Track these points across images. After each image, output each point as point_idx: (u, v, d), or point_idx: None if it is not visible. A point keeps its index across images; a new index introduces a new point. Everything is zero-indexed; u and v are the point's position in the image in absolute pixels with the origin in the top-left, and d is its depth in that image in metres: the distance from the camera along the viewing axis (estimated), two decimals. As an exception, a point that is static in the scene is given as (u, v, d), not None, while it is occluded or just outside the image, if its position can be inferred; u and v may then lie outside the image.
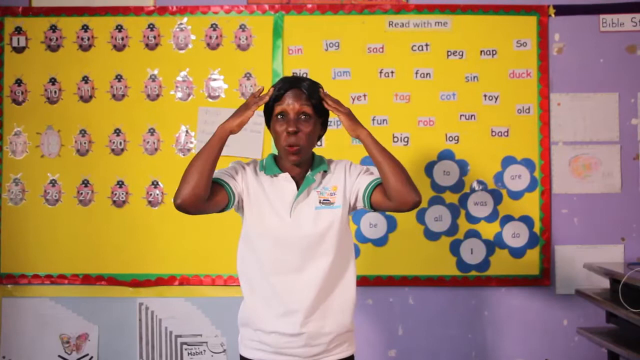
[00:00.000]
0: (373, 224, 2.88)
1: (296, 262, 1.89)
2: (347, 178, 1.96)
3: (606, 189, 2.90)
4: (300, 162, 1.93)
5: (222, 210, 1.93)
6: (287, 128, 1.88)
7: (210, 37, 2.93)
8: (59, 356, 2.92)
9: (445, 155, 2.89)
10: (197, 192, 1.80)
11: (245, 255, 1.96)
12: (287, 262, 1.90)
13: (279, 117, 1.91)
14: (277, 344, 1.90)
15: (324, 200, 1.93)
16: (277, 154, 2.00)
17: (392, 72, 2.91)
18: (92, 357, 2.92)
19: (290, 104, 1.89)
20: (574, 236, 2.89)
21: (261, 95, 1.92)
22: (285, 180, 1.94)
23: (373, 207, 1.94)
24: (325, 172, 1.98)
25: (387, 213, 2.86)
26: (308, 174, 1.95)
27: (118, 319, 2.91)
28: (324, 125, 2.00)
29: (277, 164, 1.98)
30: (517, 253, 2.87)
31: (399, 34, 2.91)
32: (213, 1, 2.94)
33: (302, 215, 1.91)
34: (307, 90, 1.91)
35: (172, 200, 1.84)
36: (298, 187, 1.94)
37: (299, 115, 1.90)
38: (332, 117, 2.09)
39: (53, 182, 2.93)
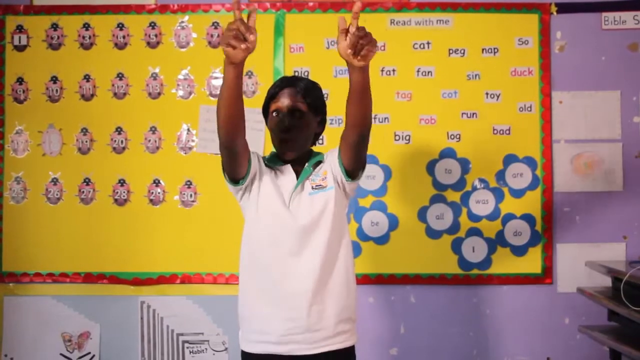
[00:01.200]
0: (374, 222, 2.88)
1: (294, 248, 1.91)
2: (331, 159, 1.99)
3: (608, 187, 2.89)
4: (295, 158, 1.98)
5: (239, 181, 1.92)
6: (280, 125, 1.94)
7: (212, 35, 2.93)
8: (61, 354, 2.92)
9: (447, 153, 2.89)
10: (233, 113, 1.76)
11: (249, 239, 1.98)
12: (284, 249, 1.91)
13: (274, 114, 1.98)
14: (279, 332, 1.89)
15: (316, 185, 1.97)
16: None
17: (393, 70, 2.90)
18: (93, 356, 2.92)
19: (284, 101, 1.95)
20: (575, 234, 2.88)
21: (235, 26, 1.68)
22: (286, 172, 1.99)
23: (345, 165, 1.91)
24: (320, 162, 2.03)
25: (388, 211, 2.86)
26: (305, 165, 1.99)
27: (120, 318, 2.91)
28: (321, 123, 2.05)
29: (278, 159, 2.03)
30: (518, 251, 2.87)
31: (401, 32, 2.91)
32: (214, -1, 2.95)
33: (299, 205, 1.94)
34: (303, 88, 1.96)
35: (218, 137, 1.81)
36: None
37: (293, 112, 1.95)
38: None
39: (54, 181, 2.93)
